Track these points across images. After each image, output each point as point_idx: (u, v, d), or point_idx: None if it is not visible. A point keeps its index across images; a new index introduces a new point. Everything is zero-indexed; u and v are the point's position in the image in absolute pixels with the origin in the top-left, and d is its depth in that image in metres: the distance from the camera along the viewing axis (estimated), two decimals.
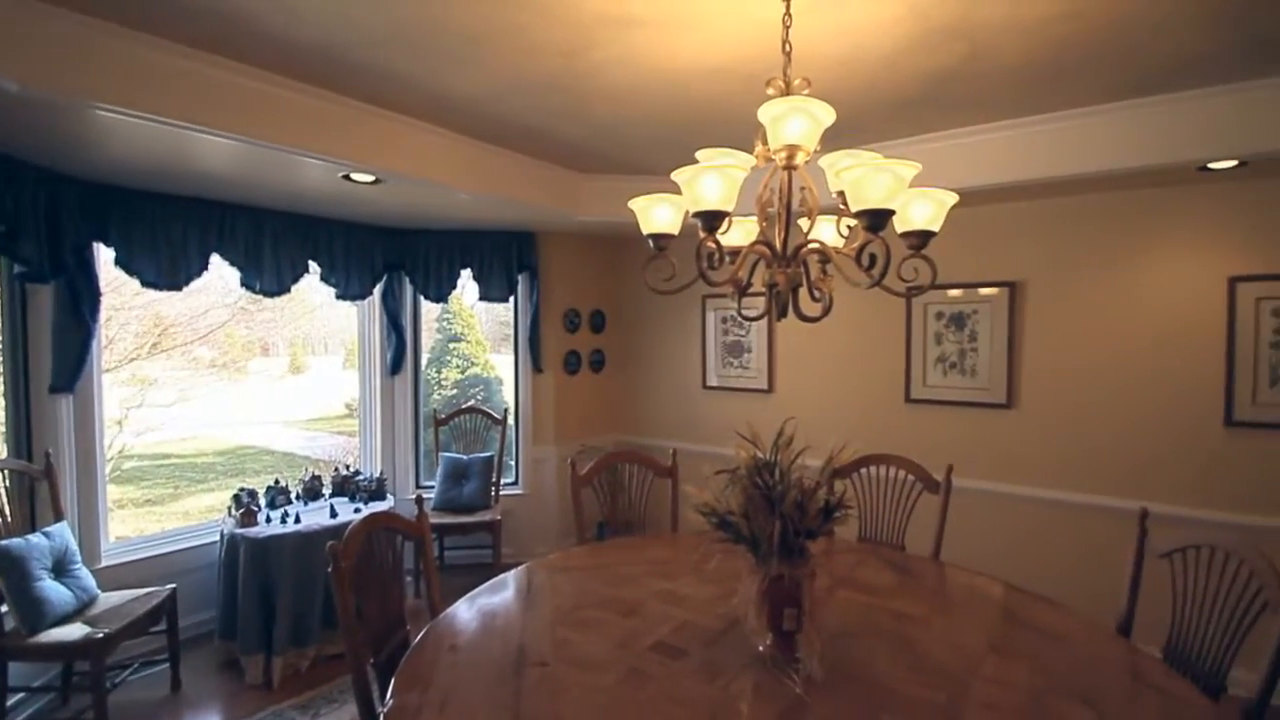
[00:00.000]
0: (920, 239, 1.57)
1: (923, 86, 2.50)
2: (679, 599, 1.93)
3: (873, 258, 1.57)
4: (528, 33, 2.07)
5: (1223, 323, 2.91)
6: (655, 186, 1.78)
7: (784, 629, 1.54)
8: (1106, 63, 2.28)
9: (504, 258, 4.34)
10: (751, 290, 1.72)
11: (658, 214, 1.65)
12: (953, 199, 1.57)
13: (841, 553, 2.39)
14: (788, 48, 1.70)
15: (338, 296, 3.91)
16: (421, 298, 4.34)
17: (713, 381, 4.54)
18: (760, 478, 1.56)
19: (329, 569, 1.63)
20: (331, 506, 3.40)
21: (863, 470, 2.76)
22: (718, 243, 1.56)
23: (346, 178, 2.92)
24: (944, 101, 2.67)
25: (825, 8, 1.90)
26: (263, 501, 3.38)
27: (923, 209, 1.55)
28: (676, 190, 1.58)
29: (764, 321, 4.23)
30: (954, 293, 3.56)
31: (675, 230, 1.67)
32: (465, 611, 1.87)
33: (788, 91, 1.66)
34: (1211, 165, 2.63)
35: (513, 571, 2.18)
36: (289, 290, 3.61)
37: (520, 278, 4.47)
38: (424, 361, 4.72)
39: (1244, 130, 2.47)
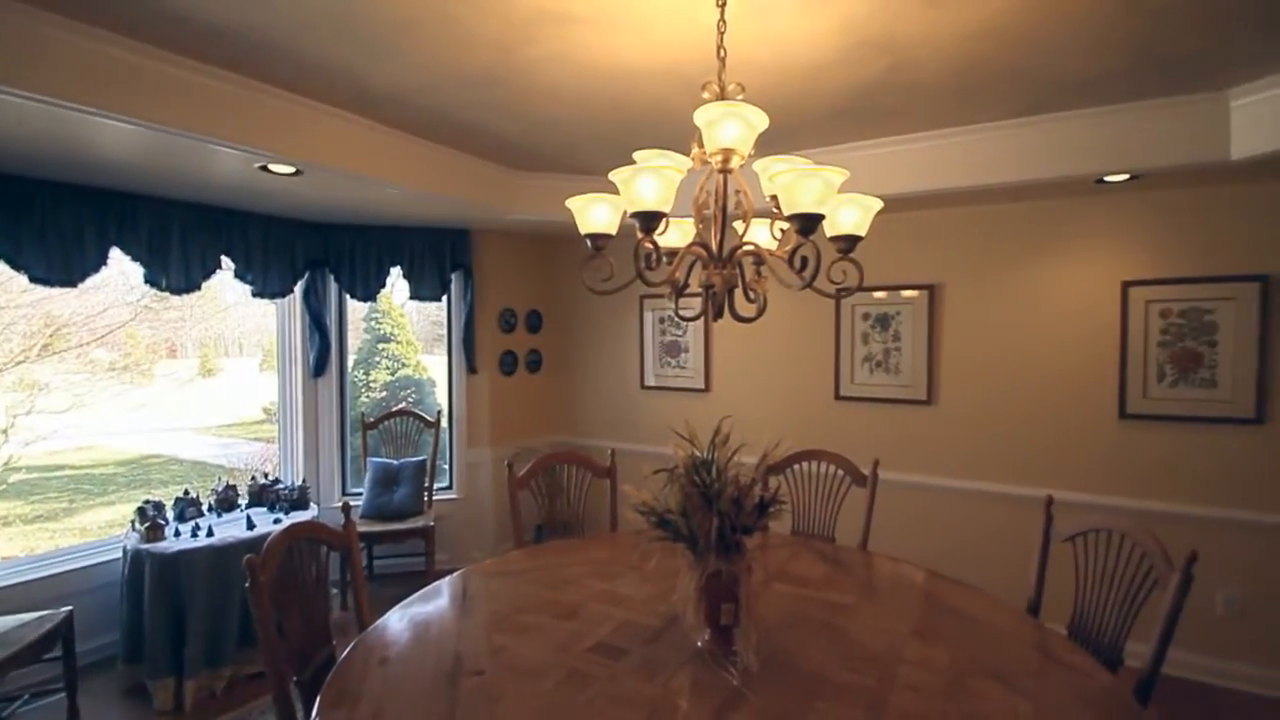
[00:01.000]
0: (848, 243, 1.64)
1: (849, 97, 2.60)
2: (619, 599, 1.93)
3: (804, 260, 1.62)
4: (461, 24, 2.02)
5: (1117, 324, 3.18)
6: (593, 186, 1.78)
7: (722, 624, 1.57)
8: (1015, 81, 2.44)
9: (436, 255, 4.21)
10: (688, 291, 1.74)
11: (595, 214, 1.65)
12: (878, 205, 1.64)
13: (776, 547, 2.45)
14: (722, 53, 1.73)
15: (254, 294, 3.69)
16: (348, 296, 4.15)
17: (651, 381, 4.57)
18: (698, 476, 1.58)
19: (246, 584, 1.53)
20: (248, 518, 3.21)
21: (795, 466, 2.85)
22: (655, 243, 1.57)
23: (264, 169, 2.76)
24: (869, 112, 2.78)
25: (757, 17, 1.95)
26: (170, 514, 3.15)
27: (851, 214, 1.62)
28: (614, 190, 1.58)
29: (701, 322, 4.30)
30: (879, 294, 3.73)
31: (613, 230, 1.66)
32: (396, 622, 1.80)
33: (723, 96, 1.69)
34: (1107, 178, 2.86)
35: (447, 578, 2.12)
36: (199, 287, 3.37)
37: (454, 276, 4.36)
38: (350, 363, 4.52)
39: (1135, 146, 2.70)
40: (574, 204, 1.67)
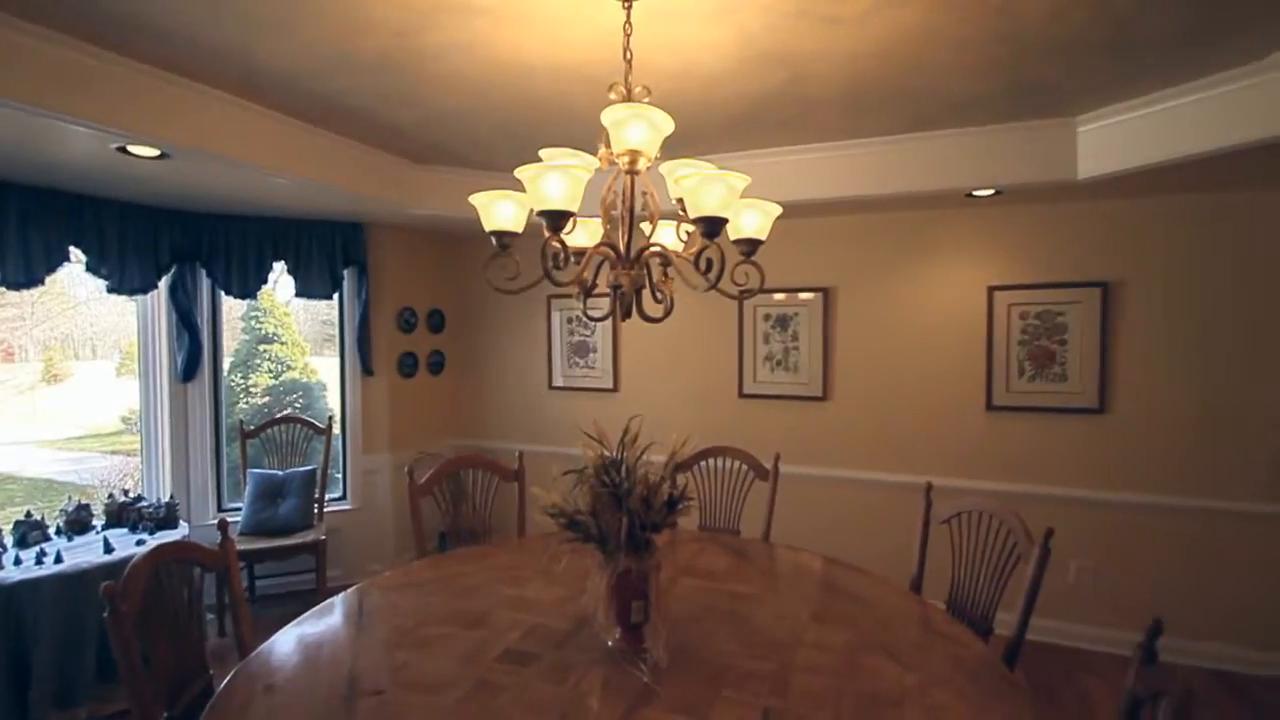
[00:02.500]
0: (750, 246, 1.69)
1: (748, 106, 2.70)
2: (528, 604, 1.90)
3: (709, 262, 1.66)
4: (356, 6, 1.90)
5: (984, 324, 3.50)
6: (498, 183, 1.73)
7: (632, 622, 1.58)
8: (899, 100, 2.63)
9: (327, 250, 3.95)
10: (597, 291, 1.73)
11: (500, 211, 1.60)
12: (777, 210, 1.71)
13: (684, 542, 2.50)
14: (629, 55, 1.74)
15: (110, 290, 3.29)
16: (223, 293, 3.80)
17: (559, 382, 4.52)
18: (607, 476, 1.58)
19: (105, 614, 1.36)
20: (105, 540, 2.86)
21: (702, 462, 2.92)
22: (563, 243, 1.55)
23: (123, 150, 2.47)
24: (767, 122, 2.90)
25: (662, 22, 1.98)
26: (9, 540, 2.76)
27: (752, 218, 1.67)
28: (521, 188, 1.55)
29: (609, 322, 4.31)
30: (779, 296, 3.90)
31: (519, 228, 1.63)
32: (283, 645, 1.67)
33: (629, 98, 1.69)
34: (976, 192, 3.15)
35: (341, 595, 2.00)
36: (42, 282, 2.96)
37: (347, 273, 4.11)
38: (226, 366, 4.14)
39: (1000, 164, 2.99)
40: (478, 200, 1.62)
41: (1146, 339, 3.24)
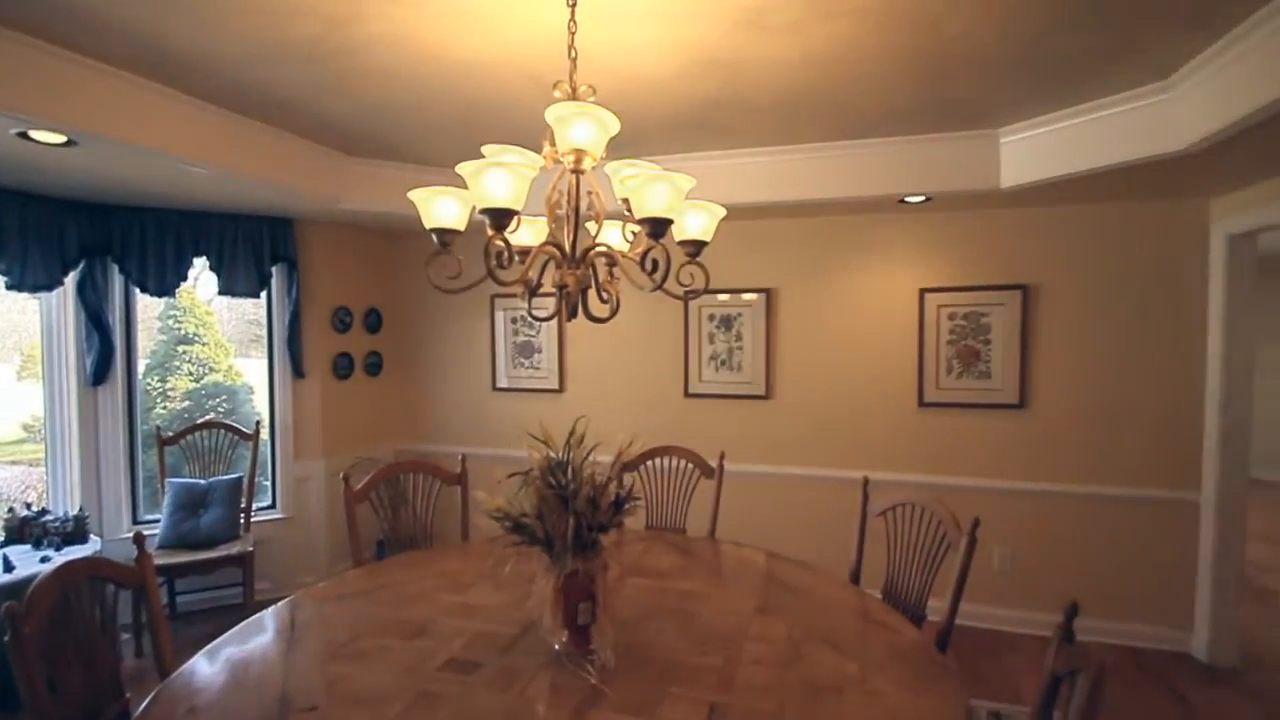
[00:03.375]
0: (695, 247, 1.71)
1: (692, 110, 2.73)
2: (472, 610, 1.86)
3: (655, 263, 1.67)
4: None
5: (915, 325, 3.67)
6: (439, 179, 1.69)
7: (579, 624, 1.57)
8: (833, 108, 2.72)
9: (253, 246, 3.76)
10: (541, 291, 1.71)
11: (441, 208, 1.56)
12: (722, 212, 1.73)
13: (631, 542, 2.50)
14: (573, 54, 1.73)
15: (9, 287, 3.02)
16: (137, 290, 3.55)
17: (503, 383, 4.45)
18: (553, 477, 1.56)
19: (5, 637, 1.25)
20: (4, 558, 2.63)
21: (649, 462, 2.93)
22: (507, 241, 1.53)
23: (24, 136, 2.27)
24: (712, 125, 2.94)
25: (606, 23, 1.98)
26: None
27: (697, 219, 1.69)
28: (462, 184, 1.52)
29: (554, 322, 4.28)
30: (723, 297, 3.96)
31: (461, 226, 1.59)
32: (207, 665, 1.57)
33: (574, 96, 1.68)
34: (908, 199, 3.29)
35: (271, 609, 1.90)
36: None
37: (275, 270, 3.91)
38: (141, 368, 3.88)
39: (929, 172, 3.14)
40: (418, 196, 1.57)
41: (1060, 339, 3.47)
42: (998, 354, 3.54)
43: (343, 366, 4.24)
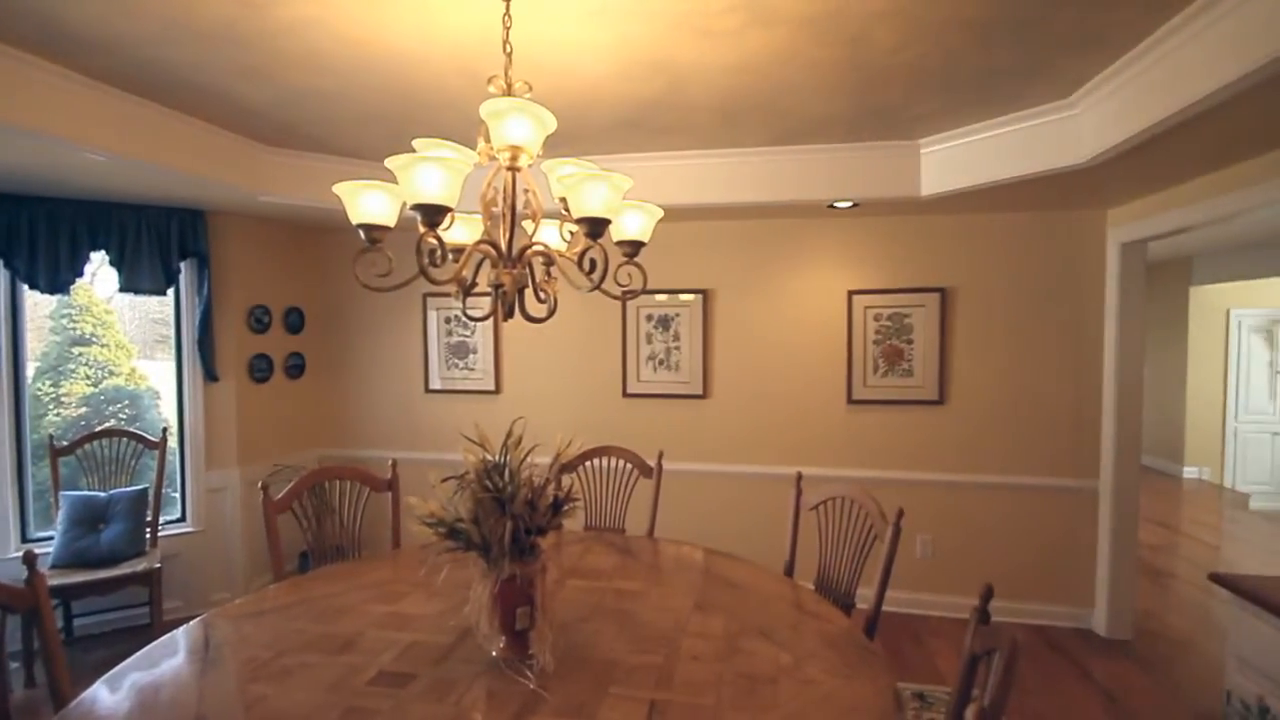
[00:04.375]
0: (633, 247, 1.72)
1: (630, 110, 2.74)
2: (404, 621, 1.79)
3: (593, 262, 1.66)
4: None
5: (844, 325, 3.81)
6: (367, 172, 1.62)
7: (517, 629, 1.54)
8: (768, 114, 2.79)
9: (159, 240, 3.50)
10: (477, 290, 1.67)
11: (369, 202, 1.50)
12: (660, 213, 1.74)
13: (570, 543, 2.48)
14: (508, 48, 1.69)
15: None
16: (25, 287, 3.24)
17: (436, 385, 4.32)
18: (490, 480, 1.53)
19: None
20: None
21: (588, 463, 2.91)
22: (439, 239, 1.48)
23: None
24: (650, 126, 2.96)
25: (544, 19, 1.95)
26: None
27: (635, 220, 1.70)
28: (392, 178, 1.46)
29: (490, 322, 4.19)
30: (660, 298, 3.99)
31: (391, 222, 1.53)
32: (109, 693, 1.45)
33: (510, 92, 1.65)
34: (837, 204, 3.41)
35: (182, 629, 1.77)
36: None
37: (184, 265, 3.66)
38: (30, 372, 3.54)
39: (857, 179, 3.26)
40: (344, 190, 1.50)
41: (975, 339, 3.68)
42: (919, 353, 3.72)
43: (260, 369, 4.00)
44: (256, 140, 3.20)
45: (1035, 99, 2.62)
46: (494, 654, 1.55)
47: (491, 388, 4.23)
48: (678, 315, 3.99)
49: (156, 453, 3.53)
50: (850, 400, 3.81)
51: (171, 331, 3.79)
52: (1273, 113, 2.04)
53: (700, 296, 3.96)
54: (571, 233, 1.80)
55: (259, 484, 2.32)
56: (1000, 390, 3.66)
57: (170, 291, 3.63)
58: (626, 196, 1.61)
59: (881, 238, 3.77)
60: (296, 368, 4.27)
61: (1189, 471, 7.40)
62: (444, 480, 1.57)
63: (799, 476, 2.48)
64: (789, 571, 2.32)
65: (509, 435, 1.61)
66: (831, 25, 2.01)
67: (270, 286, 4.09)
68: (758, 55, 2.21)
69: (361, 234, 1.51)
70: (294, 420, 4.28)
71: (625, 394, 4.07)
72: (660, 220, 1.77)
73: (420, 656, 1.59)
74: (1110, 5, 1.88)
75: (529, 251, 1.63)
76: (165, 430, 3.60)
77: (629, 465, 2.90)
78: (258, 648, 1.65)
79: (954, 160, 3.07)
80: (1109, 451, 3.49)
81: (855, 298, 3.78)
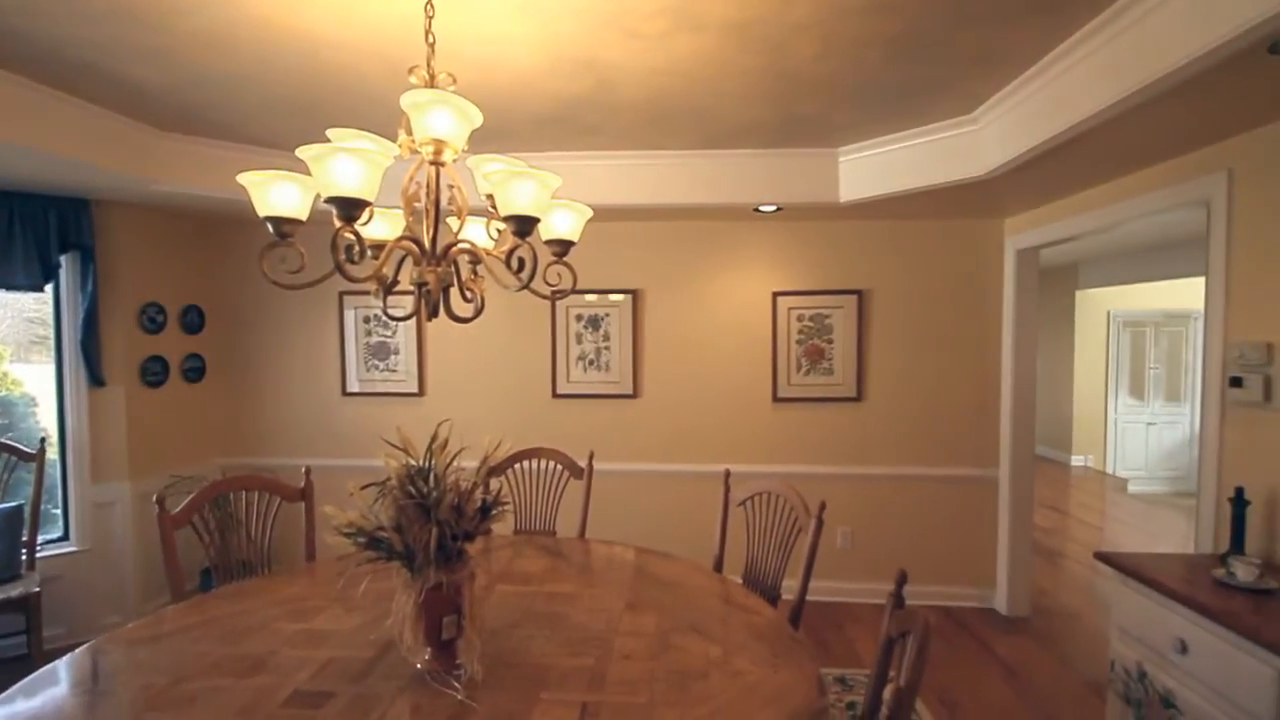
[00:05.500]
0: (563, 247, 1.70)
1: (558, 107, 2.71)
2: (320, 637, 1.70)
3: (521, 261, 1.63)
4: None
5: (769, 326, 3.92)
6: (277, 161, 1.53)
7: (443, 639, 1.49)
8: (696, 117, 2.83)
9: (35, 231, 3.16)
10: (398, 288, 1.61)
11: (279, 194, 1.41)
12: (589, 212, 1.73)
13: (499, 548, 2.43)
14: (431, 38, 1.64)
15: None
16: None
17: (354, 387, 4.13)
18: (413, 486, 1.47)
19: None
20: None
21: (517, 465, 2.86)
22: (357, 234, 1.41)
23: None
24: (578, 125, 2.94)
25: (470, 11, 1.90)
26: None
27: (565, 219, 1.68)
28: (304, 169, 1.38)
29: (413, 322, 4.04)
30: (590, 297, 3.98)
31: (302, 216, 1.45)
32: None
33: (433, 84, 1.60)
34: (762, 208, 3.51)
35: (66, 658, 1.61)
36: None
37: (65, 259, 3.32)
38: None
39: (780, 184, 3.37)
40: (250, 180, 1.41)
41: (889, 339, 3.89)
42: (839, 352, 3.89)
43: (154, 372, 3.70)
44: (152, 125, 2.95)
45: (943, 114, 2.79)
46: (419, 666, 1.49)
47: (415, 390, 4.09)
48: (608, 315, 3.99)
49: (34, 465, 3.18)
50: (776, 398, 3.93)
51: (51, 332, 3.43)
52: (1147, 132, 2.26)
53: (630, 296, 3.97)
54: (499, 231, 1.76)
55: (154, 497, 2.14)
56: (912, 387, 3.88)
57: (49, 288, 3.29)
58: (555, 195, 1.59)
59: (804, 241, 3.91)
60: (195, 370, 3.97)
61: (1076, 460, 8.10)
62: (363, 487, 1.50)
63: (727, 473, 2.53)
64: (718, 566, 2.37)
65: (434, 439, 1.55)
66: (756, 34, 2.06)
67: (166, 283, 3.78)
68: (685, 59, 2.24)
69: (270, 227, 1.42)
70: (193, 427, 3.98)
71: (555, 394, 4.03)
72: (590, 220, 1.76)
73: (339, 673, 1.51)
74: (1008, 28, 2.03)
75: (454, 249, 1.58)
76: (44, 440, 3.25)
77: (559, 467, 2.88)
78: (155, 674, 1.52)
79: (870, 169, 3.23)
80: (1007, 442, 3.76)
81: (779, 299, 3.91)
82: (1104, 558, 2.18)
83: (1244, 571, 1.86)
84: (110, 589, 3.49)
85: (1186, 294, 6.89)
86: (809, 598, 2.09)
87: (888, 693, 1.25)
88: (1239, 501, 2.07)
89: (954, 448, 3.86)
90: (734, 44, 2.13)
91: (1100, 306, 7.73)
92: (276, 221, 1.41)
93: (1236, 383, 2.23)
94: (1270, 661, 1.58)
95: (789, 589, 2.14)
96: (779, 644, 1.67)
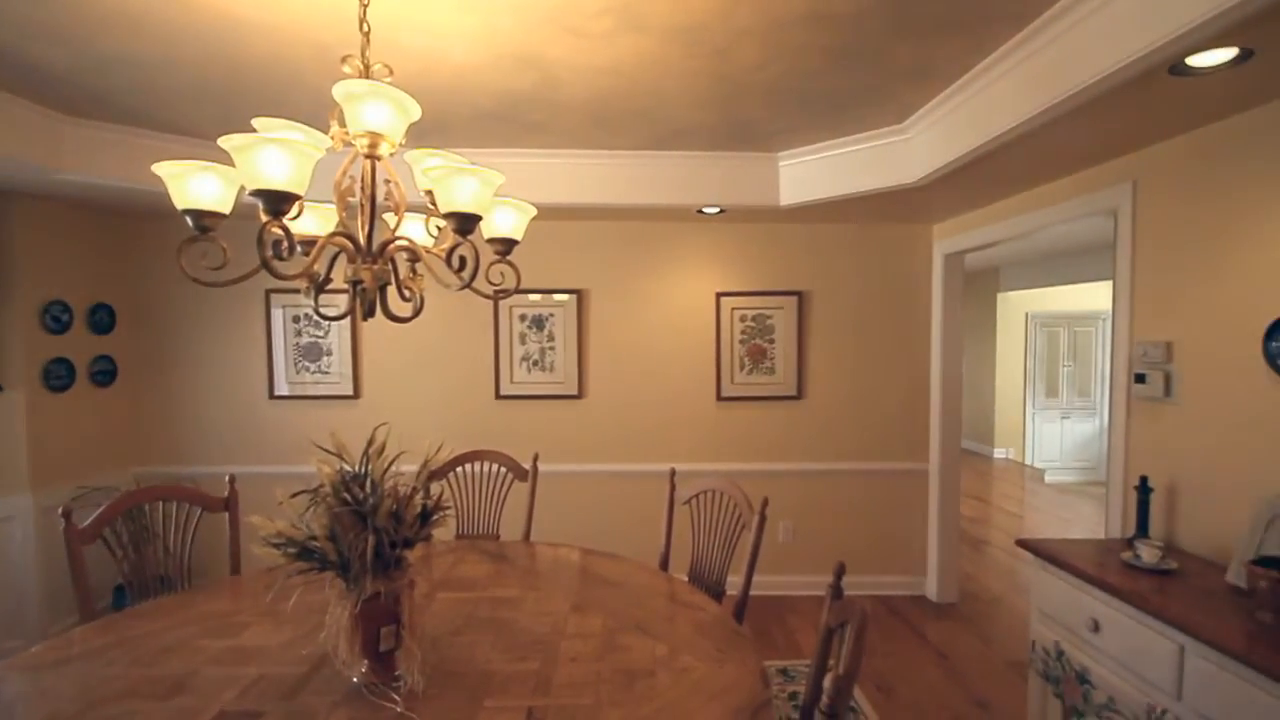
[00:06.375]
0: (506, 245, 1.67)
1: (500, 103, 2.67)
2: (247, 654, 1.61)
3: (462, 260, 1.59)
4: None
5: (713, 326, 3.98)
6: (197, 151, 1.43)
7: (381, 650, 1.44)
8: (640, 118, 2.84)
9: None
10: (331, 287, 1.54)
11: (199, 186, 1.33)
12: (533, 211, 1.71)
13: (440, 554, 2.37)
14: (366, 27, 1.58)
15: None
16: None
17: (283, 390, 3.93)
18: (349, 492, 1.41)
19: None
20: None
21: (459, 468, 2.80)
22: (286, 229, 1.34)
23: None
24: (521, 122, 2.90)
25: (406, 1, 1.85)
26: None
27: (508, 217, 1.65)
28: (228, 160, 1.30)
29: (347, 321, 3.89)
30: (534, 297, 3.93)
31: (225, 209, 1.37)
32: None
33: (367, 74, 1.54)
34: (705, 209, 3.55)
35: None
36: None
37: None
38: None
39: (723, 186, 3.42)
40: (167, 171, 1.32)
41: (828, 338, 4.01)
42: (780, 352, 3.98)
43: (59, 375, 3.42)
44: (59, 110, 2.73)
45: (877, 122, 2.89)
46: (355, 680, 1.44)
47: (349, 392, 3.93)
48: (552, 315, 3.95)
49: None
50: (720, 397, 3.99)
51: None
52: (1061, 145, 2.41)
53: (575, 296, 3.95)
54: (439, 228, 1.71)
55: (60, 510, 1.97)
56: (849, 385, 4.01)
57: None
58: (498, 193, 1.56)
59: (747, 243, 3.98)
60: (105, 374, 3.70)
61: (998, 452, 8.58)
62: (294, 495, 1.43)
63: (673, 472, 2.55)
64: (664, 565, 2.38)
65: (370, 443, 1.50)
66: (699, 37, 2.08)
67: (71, 279, 3.51)
68: (629, 60, 2.25)
69: (189, 221, 1.33)
70: (103, 435, 3.70)
71: (498, 396, 3.96)
72: (534, 218, 1.74)
73: (268, 691, 1.43)
74: (938, 42, 2.12)
75: (391, 247, 1.53)
76: None
77: (503, 469, 2.83)
78: (62, 701, 1.41)
79: (808, 174, 3.32)
80: (936, 437, 3.94)
81: (723, 299, 3.97)
82: (1024, 544, 2.32)
83: (1148, 554, 2.01)
84: (9, 610, 3.21)
85: (1096, 297, 7.42)
86: (753, 592, 2.13)
87: (828, 681, 1.29)
88: (1143, 489, 2.23)
89: (888, 443, 4.02)
90: (678, 47, 2.15)
91: (1019, 308, 8.21)
92: (196, 215, 1.33)
93: (1140, 379, 2.41)
94: (1172, 636, 1.71)
95: (733, 584, 2.17)
96: (724, 639, 1.69)
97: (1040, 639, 2.26)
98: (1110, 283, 2.61)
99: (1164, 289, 2.34)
